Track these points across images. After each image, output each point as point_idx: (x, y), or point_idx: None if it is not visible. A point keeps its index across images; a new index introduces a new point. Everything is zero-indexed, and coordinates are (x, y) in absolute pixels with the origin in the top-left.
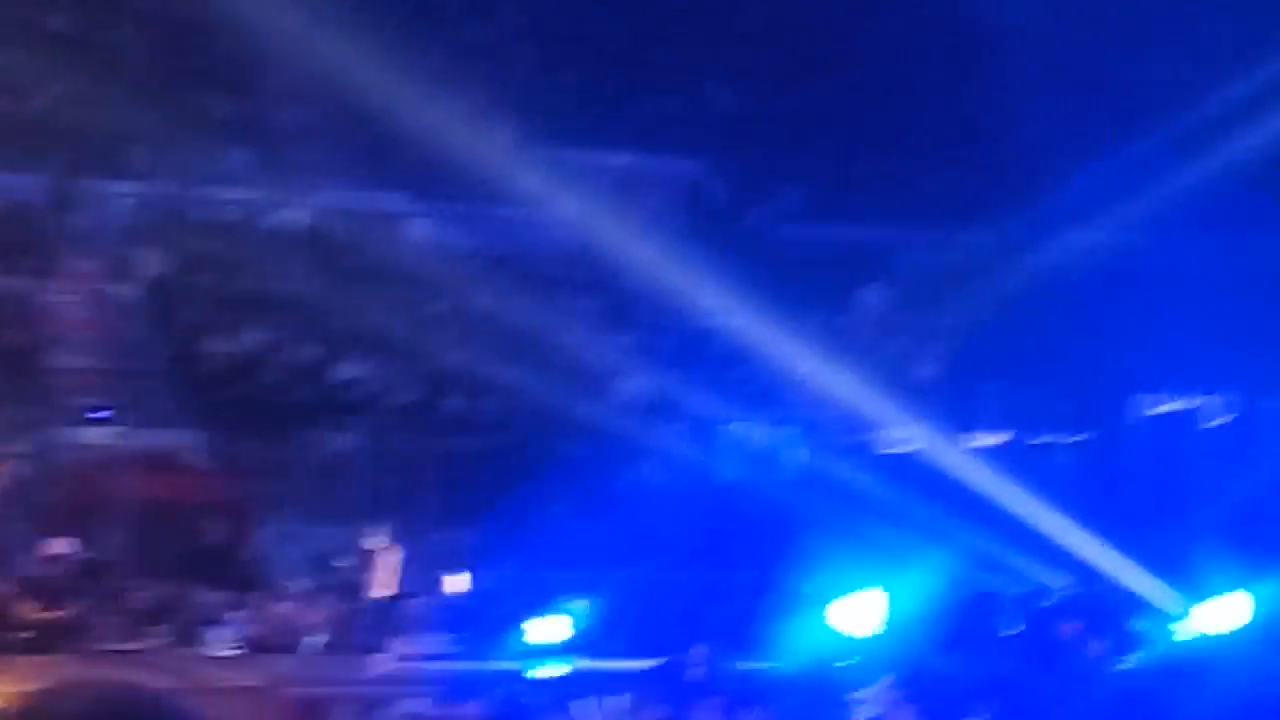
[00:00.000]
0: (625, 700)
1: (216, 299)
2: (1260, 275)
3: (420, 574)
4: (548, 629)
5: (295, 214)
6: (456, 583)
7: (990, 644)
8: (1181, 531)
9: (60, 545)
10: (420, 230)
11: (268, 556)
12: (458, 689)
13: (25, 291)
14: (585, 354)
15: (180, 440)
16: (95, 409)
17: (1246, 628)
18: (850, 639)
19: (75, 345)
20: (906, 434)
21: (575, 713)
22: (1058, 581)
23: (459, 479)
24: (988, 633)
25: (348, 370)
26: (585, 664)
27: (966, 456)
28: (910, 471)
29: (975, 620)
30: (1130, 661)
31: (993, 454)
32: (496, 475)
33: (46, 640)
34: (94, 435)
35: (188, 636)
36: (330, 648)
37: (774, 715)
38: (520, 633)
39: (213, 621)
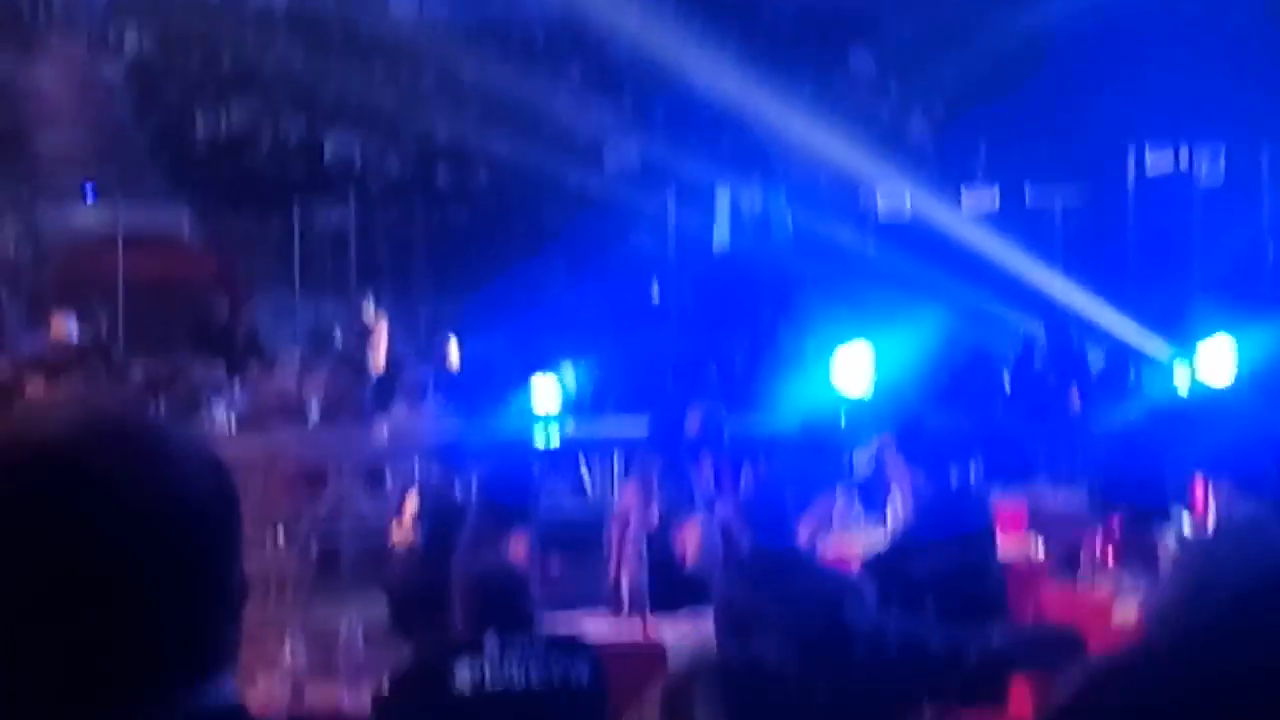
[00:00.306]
0: (621, 459)
1: (202, 77)
2: (1253, 24)
3: (414, 344)
4: (545, 393)
5: None
6: (451, 351)
7: (984, 399)
8: (1175, 285)
9: (61, 325)
10: (404, 2)
11: (262, 331)
12: (455, 453)
13: (10, 73)
14: (574, 122)
15: (170, 218)
16: (84, 189)
17: (1236, 377)
18: (846, 397)
19: (62, 126)
20: (899, 195)
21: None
22: (1050, 337)
23: (450, 250)
24: (982, 388)
25: (337, 145)
26: (582, 426)
27: (959, 216)
28: (903, 232)
29: (969, 376)
30: (1124, 413)
31: (985, 213)
32: (487, 246)
33: None
34: (83, 215)
35: (185, 412)
36: (327, 418)
37: (771, 471)
38: (518, 397)
39: (209, 396)
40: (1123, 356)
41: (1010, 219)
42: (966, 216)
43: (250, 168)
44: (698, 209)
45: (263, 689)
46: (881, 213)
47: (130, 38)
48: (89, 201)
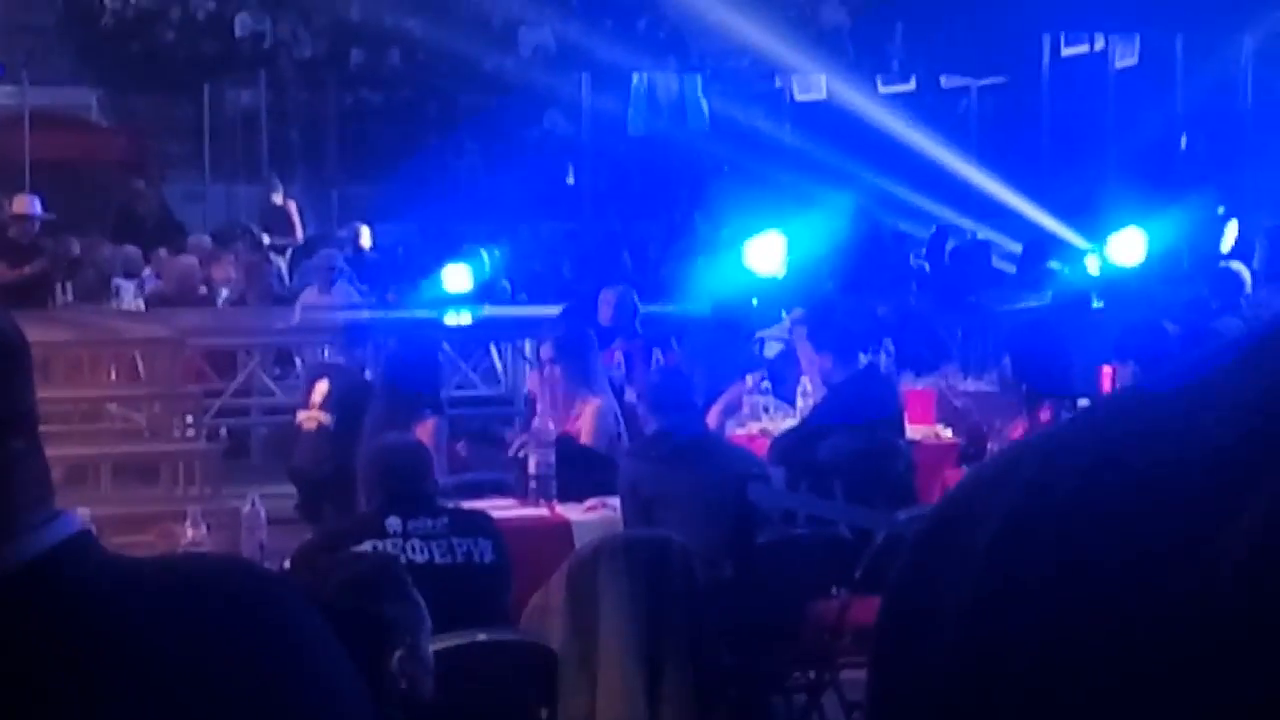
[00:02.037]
0: (534, 345)
1: None
2: None
3: (326, 227)
4: (456, 277)
5: None
6: (363, 235)
7: (894, 282)
8: (1088, 173)
9: (22, 204)
10: None
11: (173, 213)
12: (366, 336)
13: None
14: (490, 3)
15: (80, 98)
16: None
17: (1143, 263)
18: (757, 279)
19: None
20: (815, 79)
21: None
22: (965, 223)
23: (363, 133)
24: (892, 271)
25: (249, 24)
26: (495, 311)
27: (874, 102)
28: (818, 118)
29: (880, 259)
30: (1032, 299)
31: (900, 99)
32: (401, 129)
33: None
34: None
35: (96, 292)
36: (238, 301)
37: (683, 354)
38: (429, 281)
39: (119, 277)
40: (1034, 245)
41: (924, 106)
42: (881, 103)
43: (159, 47)
44: (613, 93)
45: None
46: (797, 99)
47: None
48: None
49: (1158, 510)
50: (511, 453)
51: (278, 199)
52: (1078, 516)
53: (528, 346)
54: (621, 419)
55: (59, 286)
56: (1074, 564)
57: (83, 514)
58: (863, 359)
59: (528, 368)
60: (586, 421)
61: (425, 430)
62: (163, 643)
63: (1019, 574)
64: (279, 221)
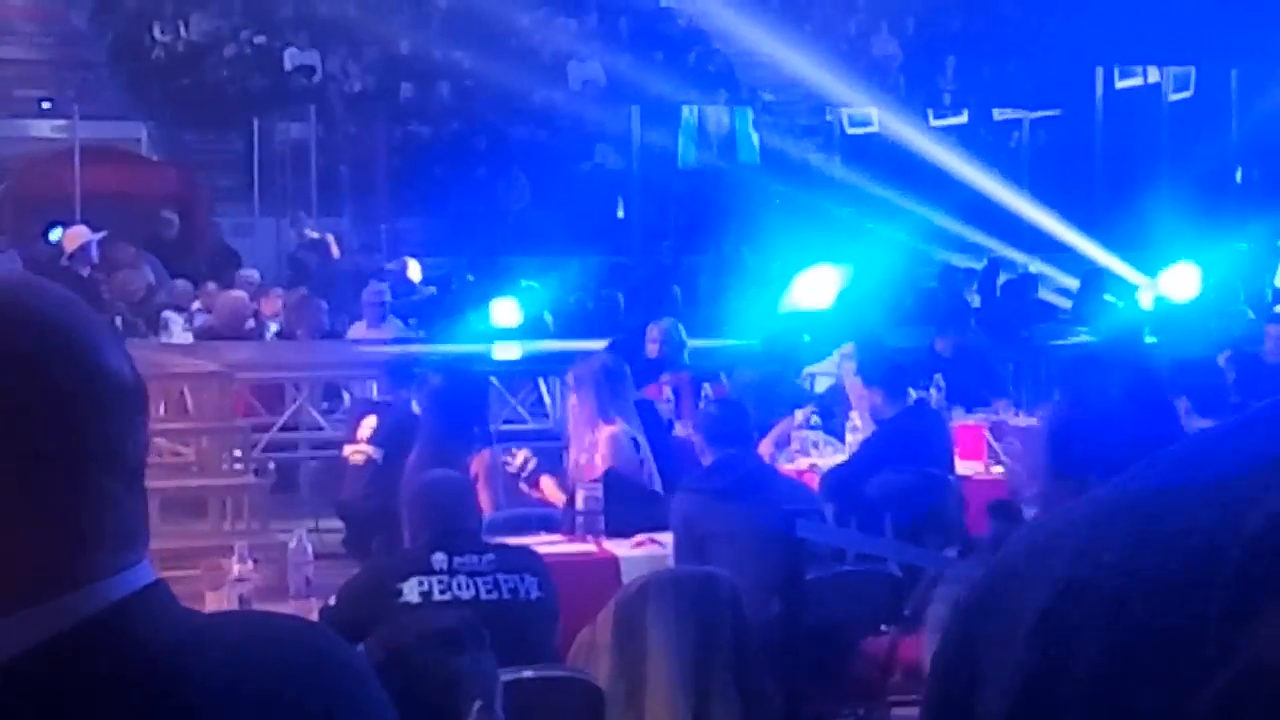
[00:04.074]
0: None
1: None
2: None
3: (375, 262)
4: (505, 311)
5: None
6: (412, 269)
7: (945, 317)
8: (1141, 206)
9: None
10: None
11: (223, 247)
12: (414, 370)
13: None
14: (539, 37)
15: (129, 132)
16: (41, 100)
17: (1198, 298)
18: (807, 315)
19: (18, 35)
20: (867, 112)
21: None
22: (1017, 257)
23: (412, 167)
24: (943, 306)
25: (298, 57)
26: (544, 345)
27: (926, 134)
28: (869, 150)
29: (932, 296)
30: (1085, 334)
31: (952, 131)
32: (450, 163)
33: None
34: (41, 128)
35: (150, 325)
36: (286, 334)
37: (732, 388)
38: (479, 316)
39: (174, 309)
40: (1091, 278)
41: (977, 138)
42: (933, 136)
43: (209, 80)
44: (663, 126)
45: (211, 605)
46: (848, 131)
47: None
48: (45, 113)
49: (1205, 580)
50: (515, 469)
51: (326, 233)
52: (1127, 587)
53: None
54: (646, 447)
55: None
56: (1123, 639)
57: None
58: (912, 394)
59: None
60: (601, 449)
61: (481, 461)
62: (230, 712)
63: (1069, 645)
64: (327, 256)
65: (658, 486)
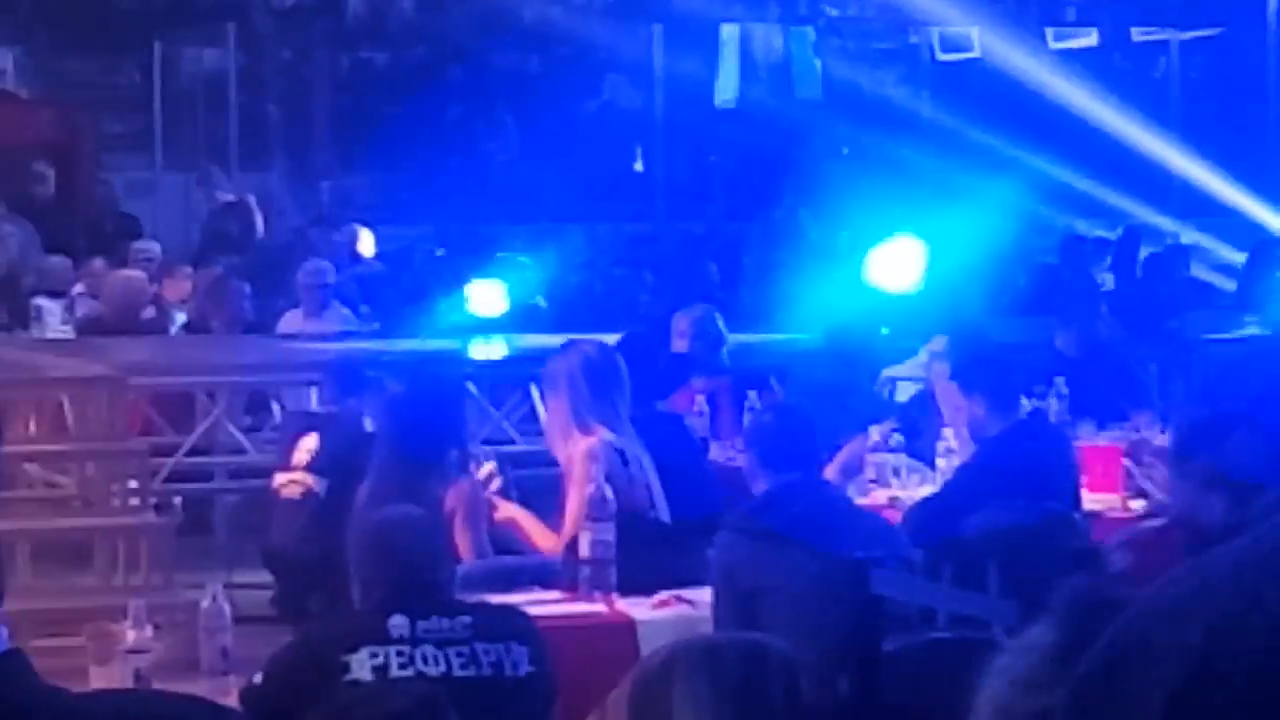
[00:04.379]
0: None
1: None
2: None
3: (315, 230)
4: (486, 296)
5: None
6: (363, 241)
7: (1069, 303)
8: None
9: None
10: None
11: (113, 211)
12: (366, 374)
13: None
14: None
15: None
16: None
17: None
18: (886, 298)
19: None
20: (963, 32)
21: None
22: (1163, 223)
23: (363, 106)
24: (1066, 288)
25: None
26: (534, 340)
27: (1043, 61)
28: (968, 83)
29: (1050, 276)
30: (1253, 325)
31: (1078, 57)
32: (414, 100)
33: None
34: None
35: (16, 315)
36: (196, 327)
37: (785, 398)
38: (452, 302)
39: (47, 295)
40: (1260, 252)
41: (1110, 66)
42: (1053, 63)
43: None
44: (695, 53)
45: (98, 682)
46: (939, 58)
47: None
48: None
49: None
50: (482, 476)
51: (247, 194)
52: (1273, 671)
53: None
54: (647, 469)
55: None
56: None
57: None
58: (1025, 405)
59: None
60: (575, 469)
61: (457, 495)
62: None
63: None
64: (248, 221)
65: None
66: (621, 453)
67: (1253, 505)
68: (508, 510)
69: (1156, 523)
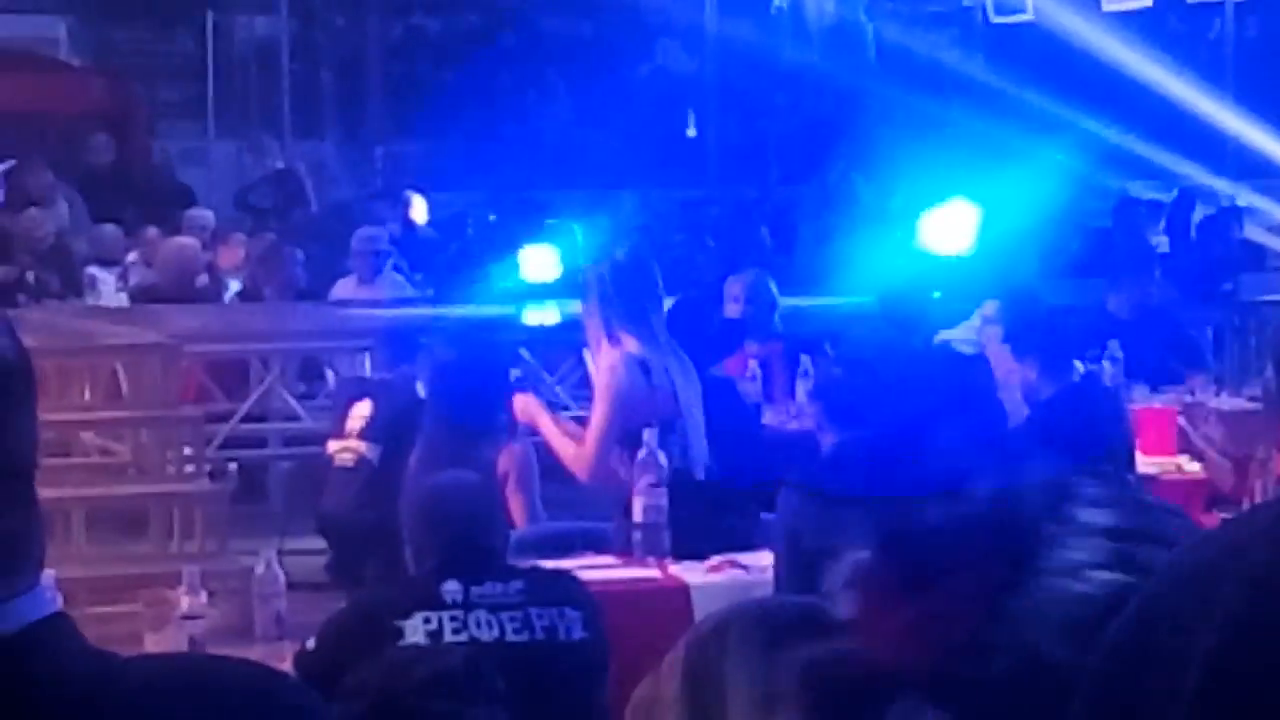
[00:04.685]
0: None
1: None
2: None
3: (369, 196)
4: (539, 262)
5: None
6: (416, 208)
7: (1123, 266)
8: None
9: None
10: None
11: (169, 178)
12: (420, 341)
13: None
14: None
15: (44, 29)
16: None
17: None
18: (939, 261)
19: None
20: None
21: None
22: (1218, 185)
23: (416, 73)
24: (1120, 251)
25: None
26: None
27: (1096, 23)
28: (1021, 45)
29: (1103, 239)
30: None
31: (1132, 19)
32: (466, 66)
33: None
34: None
35: (69, 283)
36: (250, 295)
37: (838, 362)
38: (504, 267)
39: (100, 264)
40: None
41: (1165, 27)
42: (1106, 25)
43: None
44: (747, 15)
45: (153, 649)
46: (993, 20)
47: None
48: None
49: None
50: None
51: (301, 160)
52: None
53: None
54: (679, 381)
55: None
56: None
57: (47, 577)
58: (1079, 368)
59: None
60: (598, 382)
61: (509, 459)
62: None
63: (1247, 695)
64: (302, 188)
65: (697, 453)
66: (645, 363)
67: None
68: (533, 411)
69: None
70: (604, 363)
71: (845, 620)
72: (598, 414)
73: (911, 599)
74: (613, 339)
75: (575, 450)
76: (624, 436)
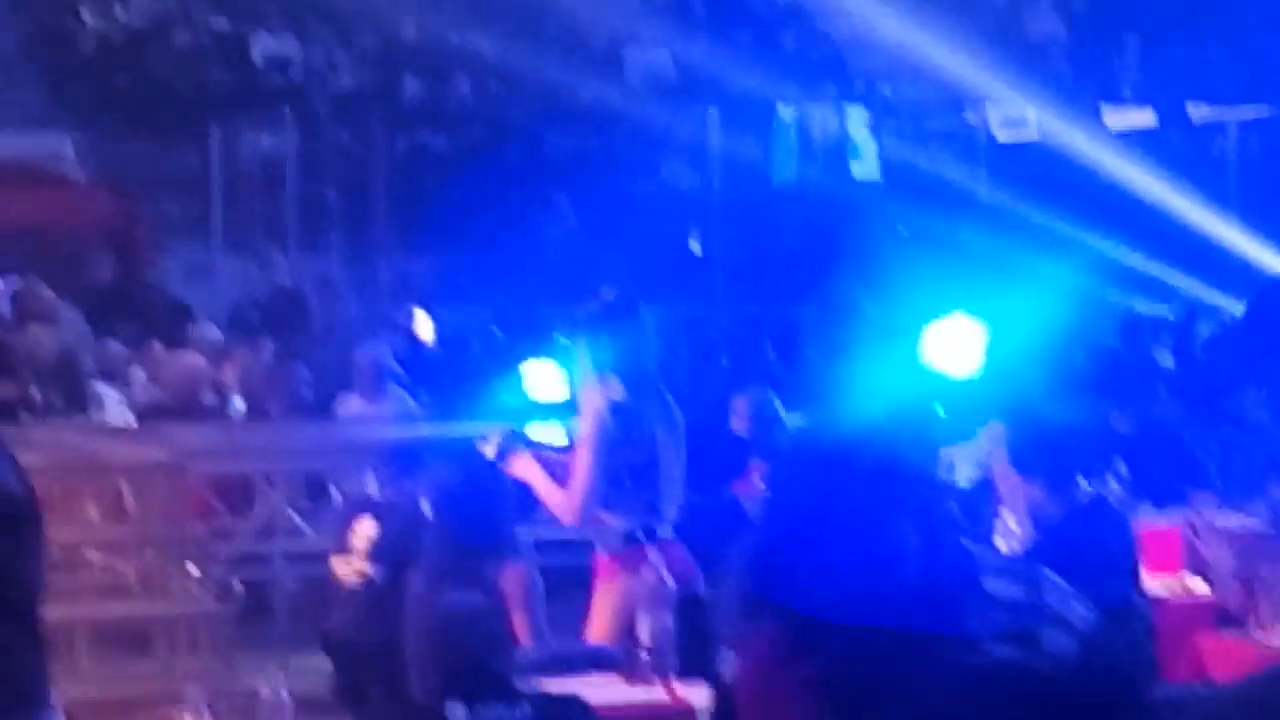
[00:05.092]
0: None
1: None
2: None
3: (373, 312)
4: (544, 379)
5: None
6: (420, 324)
7: (1129, 384)
8: None
9: None
10: None
11: (172, 295)
12: (424, 459)
13: None
14: (587, 15)
15: (50, 145)
16: None
17: None
18: (943, 382)
19: None
20: (1020, 112)
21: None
22: (1222, 302)
23: (421, 188)
24: (1128, 372)
25: (271, 46)
26: None
27: (1099, 141)
28: (1025, 162)
29: (1110, 356)
30: None
31: (1135, 137)
32: (471, 182)
33: None
34: None
35: (73, 400)
36: (256, 411)
37: (845, 479)
38: (509, 385)
39: (105, 379)
40: None
41: (1167, 145)
42: (1109, 143)
43: (154, 77)
44: (751, 133)
45: None
46: (997, 138)
47: None
48: None
49: None
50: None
51: (307, 274)
52: None
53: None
54: (661, 433)
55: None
56: None
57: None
58: (1085, 488)
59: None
60: (581, 427)
61: (514, 579)
62: None
63: None
64: (307, 305)
65: (669, 503)
66: (627, 409)
67: None
68: (523, 465)
69: None
70: (587, 406)
71: None
72: (581, 461)
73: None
74: (599, 380)
75: (562, 498)
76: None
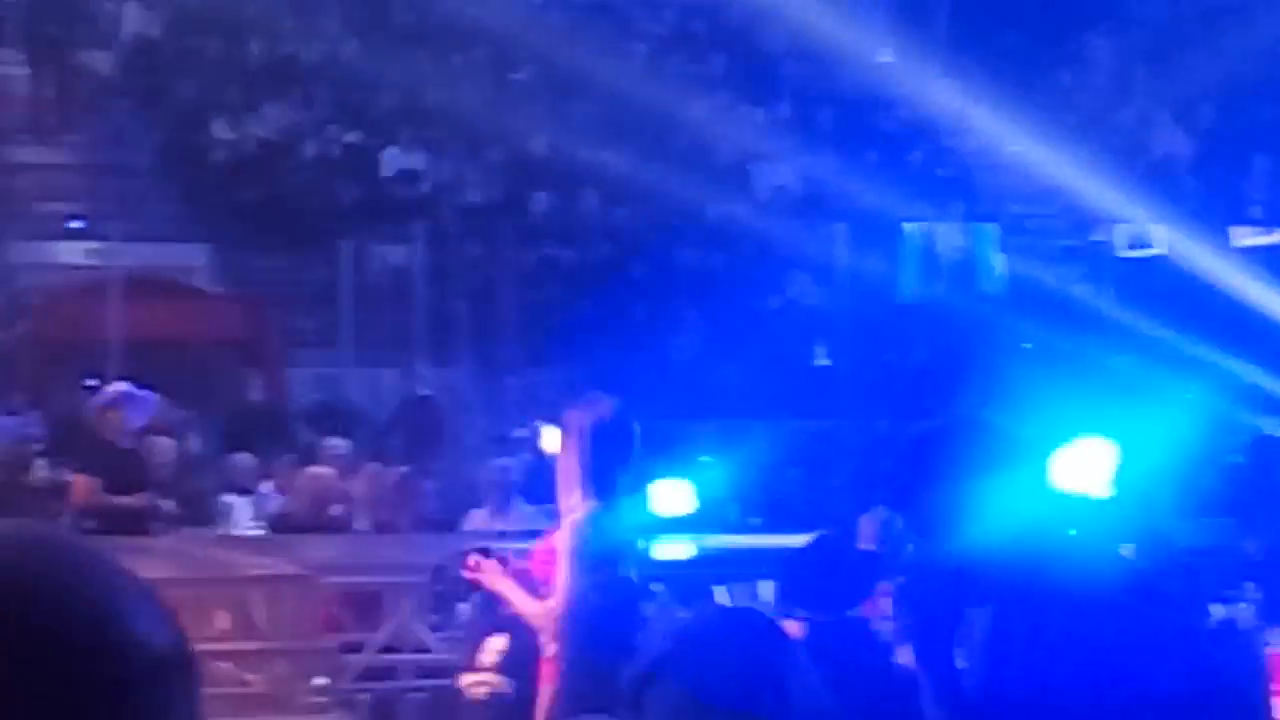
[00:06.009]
0: (767, 588)
1: (222, 67)
2: None
3: (501, 426)
4: (671, 495)
5: None
6: (547, 438)
7: (1261, 508)
8: None
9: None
10: None
11: (301, 406)
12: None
13: None
14: (715, 132)
15: (183, 258)
16: (70, 218)
17: None
18: (1073, 503)
19: (38, 133)
20: (1148, 230)
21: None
22: None
23: (549, 302)
24: (1258, 493)
25: (400, 160)
26: (719, 541)
27: (1228, 258)
28: (1153, 280)
29: (1240, 475)
30: None
31: (1264, 254)
32: (598, 296)
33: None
34: (70, 252)
35: (197, 513)
36: (384, 525)
37: (973, 600)
38: (636, 502)
39: (235, 491)
40: None
41: None
42: (1238, 260)
43: (285, 191)
44: (878, 250)
45: None
46: (1123, 255)
47: (130, 14)
48: (74, 234)
49: None
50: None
51: (435, 388)
52: None
53: (766, 589)
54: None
55: (166, 501)
56: None
57: None
58: (1216, 612)
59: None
60: (560, 539)
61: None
62: None
63: None
64: (436, 419)
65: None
66: (600, 532)
67: None
68: (496, 580)
69: None
70: (568, 518)
71: None
72: (562, 573)
73: None
74: (585, 493)
75: (540, 609)
76: None
